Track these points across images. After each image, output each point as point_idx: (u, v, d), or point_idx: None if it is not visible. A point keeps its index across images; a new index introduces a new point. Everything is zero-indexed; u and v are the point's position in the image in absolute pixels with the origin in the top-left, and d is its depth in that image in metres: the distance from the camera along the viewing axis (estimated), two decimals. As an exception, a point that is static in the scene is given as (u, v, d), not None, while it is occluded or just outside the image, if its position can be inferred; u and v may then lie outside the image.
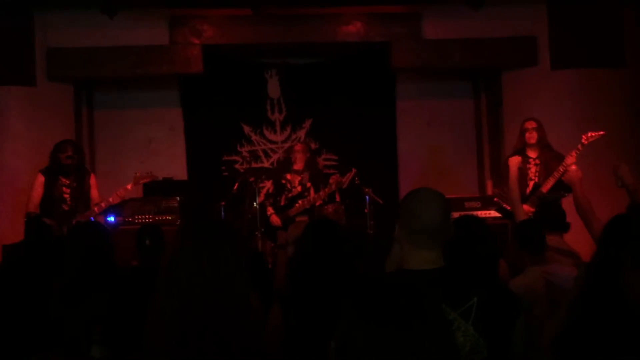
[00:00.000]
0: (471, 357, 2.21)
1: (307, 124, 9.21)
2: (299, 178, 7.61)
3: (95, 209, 6.83)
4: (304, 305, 3.08)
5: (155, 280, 3.58)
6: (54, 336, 2.83)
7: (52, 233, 5.39)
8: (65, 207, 6.75)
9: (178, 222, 7.28)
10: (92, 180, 7.03)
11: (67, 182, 6.78)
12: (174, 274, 2.03)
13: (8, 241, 6.22)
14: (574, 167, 6.04)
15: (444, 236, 2.33)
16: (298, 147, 7.73)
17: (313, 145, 9.17)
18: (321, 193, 7.41)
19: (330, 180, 7.47)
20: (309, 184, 7.56)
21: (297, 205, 7.46)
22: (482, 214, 7.26)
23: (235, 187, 7.69)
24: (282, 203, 7.57)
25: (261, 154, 9.15)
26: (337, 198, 8.12)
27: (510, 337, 2.27)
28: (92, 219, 6.72)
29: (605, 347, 2.05)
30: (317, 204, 7.51)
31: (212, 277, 2.00)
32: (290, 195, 7.52)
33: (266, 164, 9.09)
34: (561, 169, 6.22)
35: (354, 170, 7.56)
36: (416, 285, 2.19)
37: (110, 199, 6.89)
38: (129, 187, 6.97)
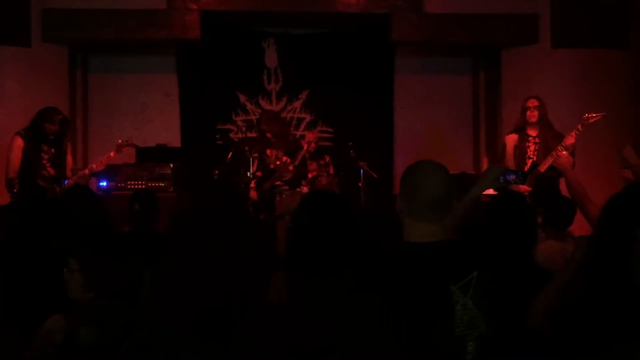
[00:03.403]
0: (468, 331, 2.20)
1: (304, 95, 9.15)
2: (276, 152, 7.62)
3: (80, 174, 6.73)
4: (307, 274, 3.05)
5: (146, 245, 3.54)
6: (59, 298, 2.83)
7: (46, 195, 5.34)
8: (45, 173, 6.62)
9: (171, 189, 7.24)
10: (68, 147, 6.94)
11: (46, 147, 6.63)
12: (184, 240, 1.99)
13: (5, 202, 6.17)
14: (564, 152, 6.05)
15: (446, 209, 2.31)
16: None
17: (308, 117, 9.13)
18: (289, 168, 7.46)
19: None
20: (284, 158, 7.58)
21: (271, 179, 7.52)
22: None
23: (229, 156, 7.65)
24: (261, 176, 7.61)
25: (256, 123, 9.08)
26: (332, 171, 8.10)
27: (521, 311, 2.27)
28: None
29: (605, 320, 2.05)
30: (287, 177, 7.54)
31: (225, 245, 1.96)
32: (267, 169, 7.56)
33: (260, 134, 9.04)
34: (560, 149, 6.19)
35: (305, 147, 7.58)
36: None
37: (94, 166, 6.84)
38: (111, 154, 6.90)
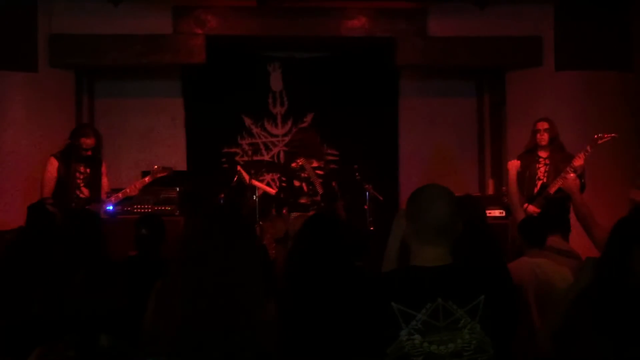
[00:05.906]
0: (476, 355, 2.20)
1: (309, 118, 9.17)
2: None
3: (112, 198, 6.80)
4: (301, 301, 3.05)
5: (153, 269, 3.54)
6: (61, 326, 2.79)
7: (54, 221, 5.33)
8: (80, 194, 6.70)
9: (177, 213, 7.25)
10: (104, 168, 7.04)
11: (82, 168, 6.72)
12: (186, 264, 1.99)
13: (6, 227, 6.18)
14: (572, 175, 6.05)
15: (452, 233, 2.33)
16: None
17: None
18: None
19: None
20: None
21: None
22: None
23: (235, 179, 7.67)
24: None
25: (262, 147, 9.12)
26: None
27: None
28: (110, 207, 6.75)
29: (612, 340, 2.05)
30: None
31: (225, 270, 1.97)
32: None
33: (266, 157, 9.07)
34: (568, 170, 6.17)
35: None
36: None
37: (128, 190, 6.91)
38: (147, 179, 6.99)
